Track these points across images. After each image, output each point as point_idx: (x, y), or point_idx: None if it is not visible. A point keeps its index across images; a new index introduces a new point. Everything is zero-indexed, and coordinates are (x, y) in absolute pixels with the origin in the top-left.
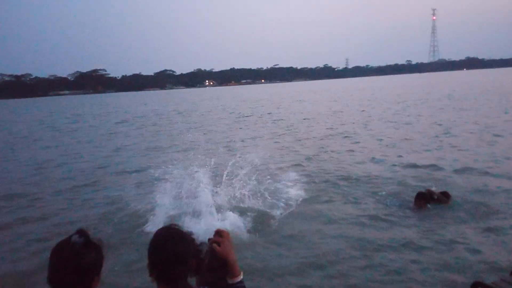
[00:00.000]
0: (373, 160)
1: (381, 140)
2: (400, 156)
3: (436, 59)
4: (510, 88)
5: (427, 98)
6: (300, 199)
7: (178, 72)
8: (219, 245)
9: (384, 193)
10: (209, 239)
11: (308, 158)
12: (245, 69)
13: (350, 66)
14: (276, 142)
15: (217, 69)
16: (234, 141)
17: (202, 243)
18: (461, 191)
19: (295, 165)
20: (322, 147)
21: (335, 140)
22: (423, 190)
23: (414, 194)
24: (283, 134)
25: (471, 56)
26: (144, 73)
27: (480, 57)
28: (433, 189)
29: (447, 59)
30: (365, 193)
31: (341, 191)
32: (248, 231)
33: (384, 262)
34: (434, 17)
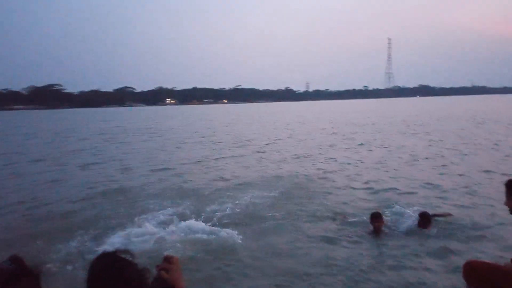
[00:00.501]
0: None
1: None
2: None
3: (392, 85)
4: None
5: (388, 121)
6: (265, 217)
7: (138, 89)
8: (167, 272)
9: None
10: (156, 266)
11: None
12: (208, 88)
13: (310, 90)
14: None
15: (179, 87)
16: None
17: (144, 269)
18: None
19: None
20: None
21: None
22: (378, 210)
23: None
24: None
25: (424, 84)
26: (103, 89)
27: (431, 85)
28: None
29: (401, 85)
30: (325, 213)
31: (306, 211)
32: (208, 252)
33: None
34: (390, 46)
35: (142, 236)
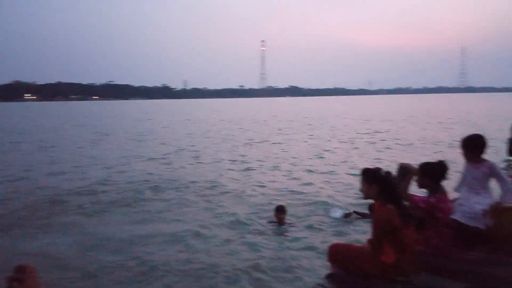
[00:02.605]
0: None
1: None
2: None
3: (265, 86)
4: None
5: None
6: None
7: None
8: (20, 283)
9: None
10: (8, 277)
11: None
12: (75, 83)
13: (188, 88)
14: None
15: (40, 81)
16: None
17: None
18: None
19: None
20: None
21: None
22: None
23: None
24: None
25: (293, 85)
26: None
27: (300, 86)
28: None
29: (274, 86)
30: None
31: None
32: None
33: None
34: (263, 48)
35: None
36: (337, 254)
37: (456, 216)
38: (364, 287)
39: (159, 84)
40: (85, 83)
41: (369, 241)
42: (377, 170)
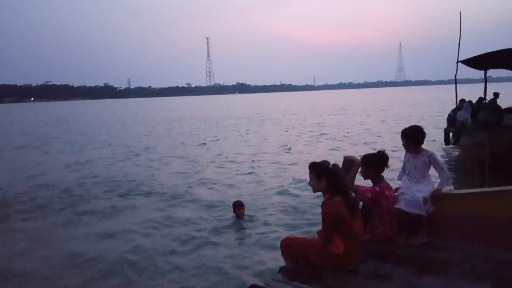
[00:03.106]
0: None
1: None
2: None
3: (212, 83)
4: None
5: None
6: None
7: None
8: None
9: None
10: None
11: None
12: (8, 85)
13: (132, 87)
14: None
15: None
16: None
17: None
18: None
19: None
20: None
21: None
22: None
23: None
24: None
25: (241, 82)
26: None
27: (247, 83)
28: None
29: (221, 83)
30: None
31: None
32: None
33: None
34: (209, 45)
35: None
36: (288, 247)
37: (399, 205)
38: (316, 279)
39: (101, 84)
40: (20, 84)
41: (319, 233)
42: (324, 164)
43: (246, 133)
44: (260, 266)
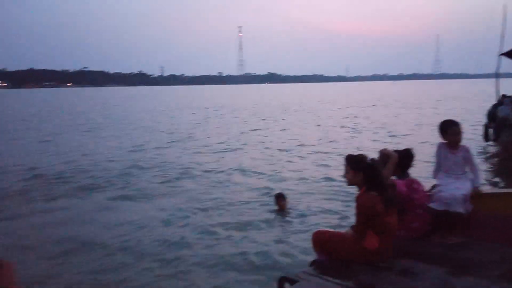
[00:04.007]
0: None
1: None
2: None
3: (243, 72)
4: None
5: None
6: None
7: None
8: None
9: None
10: None
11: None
12: (48, 70)
13: (165, 74)
14: None
15: (10, 68)
16: None
17: None
18: None
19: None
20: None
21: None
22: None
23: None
24: None
25: (272, 71)
26: None
27: (278, 73)
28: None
29: (252, 73)
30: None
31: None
32: None
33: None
34: (241, 34)
35: None
36: (320, 241)
37: (438, 202)
38: (347, 274)
39: (135, 71)
40: (58, 69)
41: (352, 227)
42: (362, 157)
43: (289, 123)
44: (292, 259)
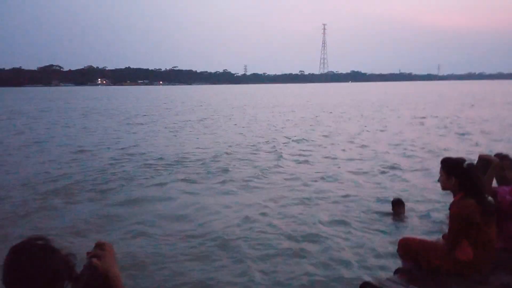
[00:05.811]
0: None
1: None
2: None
3: (326, 71)
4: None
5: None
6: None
7: (66, 68)
8: (99, 259)
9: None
10: (87, 253)
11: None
12: (142, 69)
13: (248, 73)
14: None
15: (110, 67)
16: None
17: (69, 255)
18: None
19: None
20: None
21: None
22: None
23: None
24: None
25: (355, 70)
26: (25, 67)
27: (362, 71)
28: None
29: (335, 71)
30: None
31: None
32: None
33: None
34: (324, 32)
35: None
36: (407, 248)
37: None
38: (435, 285)
39: (220, 70)
40: (151, 68)
41: (444, 236)
42: (458, 161)
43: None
44: (380, 264)
